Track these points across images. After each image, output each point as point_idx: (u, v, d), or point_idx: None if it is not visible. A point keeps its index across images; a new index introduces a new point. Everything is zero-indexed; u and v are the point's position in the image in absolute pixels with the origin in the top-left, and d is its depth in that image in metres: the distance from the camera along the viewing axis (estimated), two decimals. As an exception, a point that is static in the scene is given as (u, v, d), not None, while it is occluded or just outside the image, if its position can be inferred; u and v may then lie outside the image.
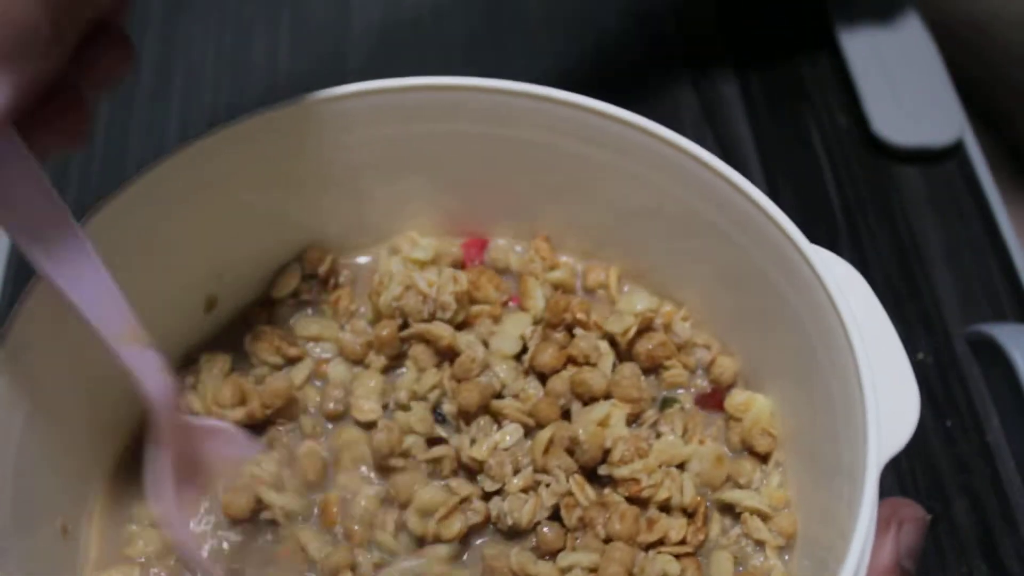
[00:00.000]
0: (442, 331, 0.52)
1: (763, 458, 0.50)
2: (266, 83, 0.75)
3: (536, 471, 0.48)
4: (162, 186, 0.48)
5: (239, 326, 0.55)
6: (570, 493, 0.47)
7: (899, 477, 0.60)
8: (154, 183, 0.48)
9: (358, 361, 0.53)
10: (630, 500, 0.48)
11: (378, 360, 0.53)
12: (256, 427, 0.51)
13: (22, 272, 0.66)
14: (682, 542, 0.47)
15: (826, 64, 0.75)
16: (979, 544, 0.59)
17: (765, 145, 0.71)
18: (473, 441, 0.49)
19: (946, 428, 0.62)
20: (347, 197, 0.55)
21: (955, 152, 0.70)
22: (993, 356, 0.63)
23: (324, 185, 0.54)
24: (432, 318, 0.52)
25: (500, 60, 0.76)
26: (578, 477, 0.48)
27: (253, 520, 0.49)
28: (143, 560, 0.49)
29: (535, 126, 0.51)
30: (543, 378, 0.51)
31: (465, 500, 0.48)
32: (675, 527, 0.47)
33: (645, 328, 0.52)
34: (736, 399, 0.51)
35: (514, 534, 0.48)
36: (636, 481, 0.47)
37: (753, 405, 0.50)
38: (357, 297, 0.55)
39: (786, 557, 0.47)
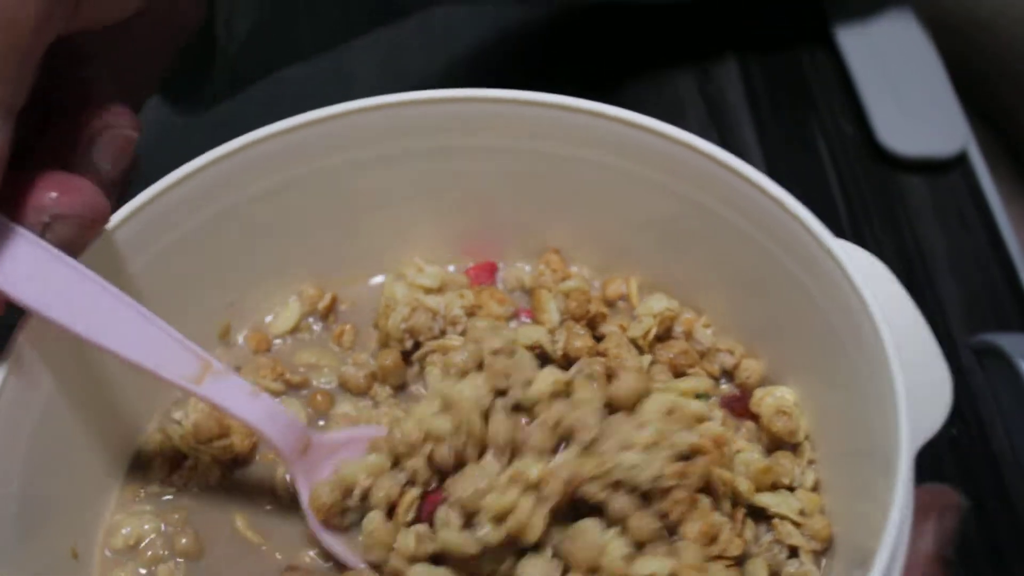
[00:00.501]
0: (457, 343, 0.51)
1: (794, 448, 0.48)
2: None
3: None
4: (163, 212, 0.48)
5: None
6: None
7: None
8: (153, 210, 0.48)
9: (362, 394, 0.52)
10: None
11: (383, 391, 0.52)
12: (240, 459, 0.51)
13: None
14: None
15: (830, 72, 0.75)
16: (985, 552, 0.58)
17: (771, 153, 0.71)
18: None
19: (951, 436, 0.62)
20: (345, 226, 0.54)
21: (960, 163, 0.71)
22: (998, 365, 0.63)
23: (318, 213, 0.53)
24: (443, 334, 0.52)
25: (498, 63, 0.75)
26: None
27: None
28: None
29: (540, 136, 0.50)
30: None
31: None
32: (732, 538, 0.44)
33: (666, 333, 0.51)
34: (758, 396, 0.49)
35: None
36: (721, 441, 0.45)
37: (768, 397, 0.49)
38: (360, 330, 0.55)
39: (823, 562, 0.45)
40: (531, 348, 0.50)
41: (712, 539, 0.44)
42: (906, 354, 0.41)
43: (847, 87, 0.74)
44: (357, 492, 0.46)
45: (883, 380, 0.41)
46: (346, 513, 0.47)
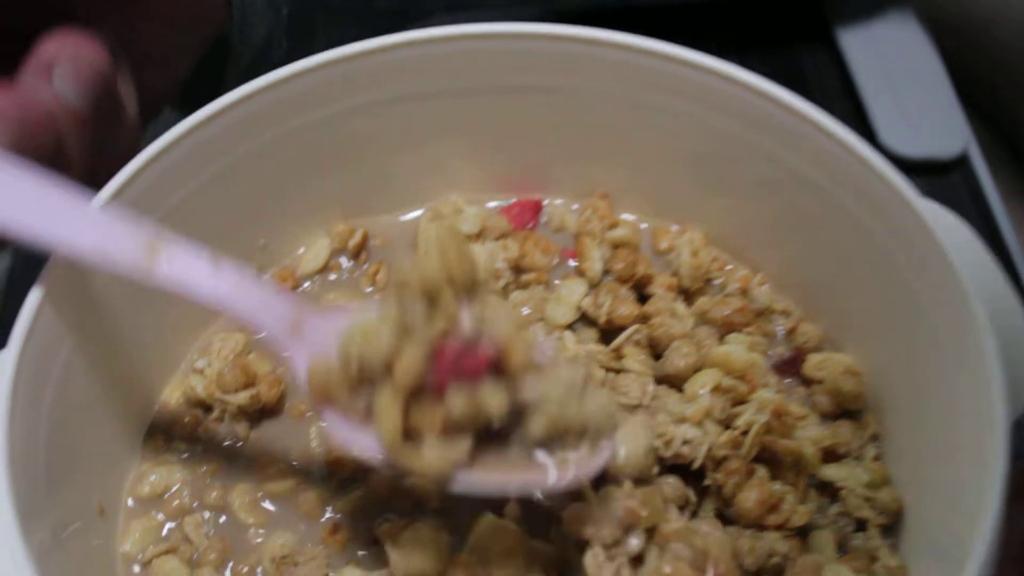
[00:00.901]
0: None
1: (856, 416, 0.47)
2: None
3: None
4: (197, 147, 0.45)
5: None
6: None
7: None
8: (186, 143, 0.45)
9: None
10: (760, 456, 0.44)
11: None
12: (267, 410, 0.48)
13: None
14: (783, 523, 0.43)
15: (831, 74, 0.75)
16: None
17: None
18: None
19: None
20: (377, 158, 0.51)
21: (961, 164, 0.71)
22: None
23: (350, 151, 0.50)
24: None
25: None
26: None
27: None
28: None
29: (579, 74, 0.48)
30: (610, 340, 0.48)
31: None
32: (795, 508, 0.43)
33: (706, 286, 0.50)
34: (813, 360, 0.47)
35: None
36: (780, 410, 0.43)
37: (831, 360, 0.47)
38: (394, 267, 0.51)
39: (893, 536, 0.44)
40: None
41: (771, 508, 0.43)
42: (993, 318, 0.39)
43: (848, 89, 0.74)
44: (354, 353, 0.38)
45: (971, 343, 0.39)
46: (359, 396, 0.39)
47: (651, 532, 0.40)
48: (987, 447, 0.37)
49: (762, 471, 0.44)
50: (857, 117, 0.73)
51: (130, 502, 0.46)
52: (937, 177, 0.70)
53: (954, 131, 0.71)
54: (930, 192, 0.70)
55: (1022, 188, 0.77)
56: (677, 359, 0.46)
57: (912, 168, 0.70)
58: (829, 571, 0.41)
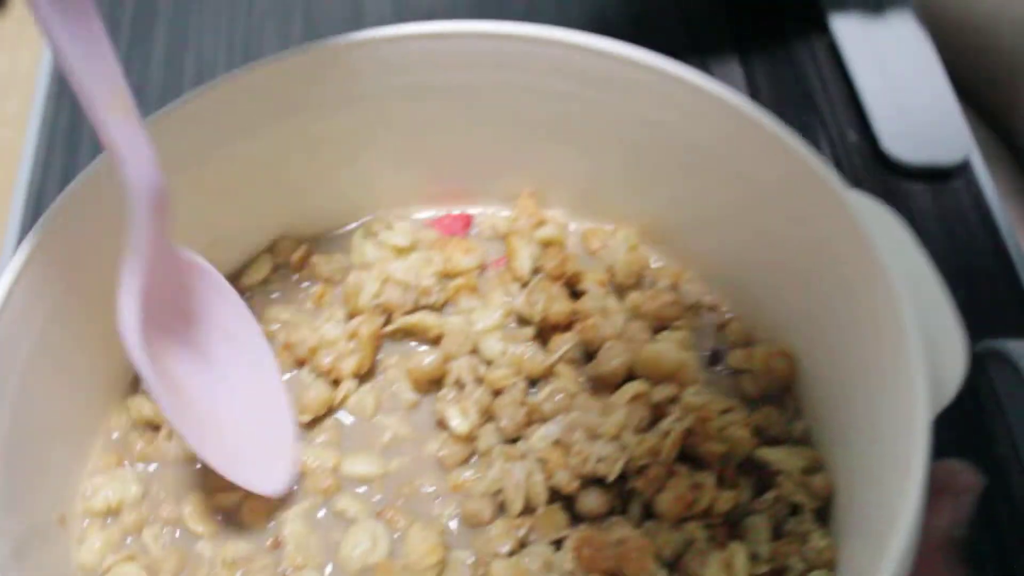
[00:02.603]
0: (430, 322, 0.49)
1: (780, 402, 0.47)
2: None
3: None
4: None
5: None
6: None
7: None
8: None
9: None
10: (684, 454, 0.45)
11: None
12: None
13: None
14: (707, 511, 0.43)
15: (834, 80, 0.75)
16: (990, 557, 0.57)
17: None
18: None
19: (955, 441, 0.60)
20: (315, 174, 0.52)
21: (962, 170, 0.70)
22: (1002, 370, 0.62)
23: (287, 161, 0.51)
24: (417, 308, 0.50)
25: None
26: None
27: None
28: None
29: (506, 67, 0.48)
30: (545, 337, 0.49)
31: None
32: (720, 496, 0.43)
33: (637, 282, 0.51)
34: (741, 352, 0.48)
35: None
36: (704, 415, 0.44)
37: (759, 349, 0.48)
38: (333, 290, 0.52)
39: (823, 520, 0.44)
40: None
41: (688, 504, 0.43)
42: (921, 314, 0.39)
43: (851, 95, 0.74)
44: None
45: (896, 342, 0.39)
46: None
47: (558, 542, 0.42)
48: (908, 443, 0.37)
49: (683, 470, 0.44)
50: (859, 124, 0.72)
51: (86, 520, 0.47)
52: (939, 183, 0.70)
53: (956, 138, 0.70)
54: (933, 198, 0.70)
55: (1022, 188, 0.75)
56: (608, 360, 0.46)
57: (914, 174, 0.70)
58: (728, 551, 0.42)
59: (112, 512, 0.47)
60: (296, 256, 0.53)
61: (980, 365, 0.63)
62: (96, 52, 0.37)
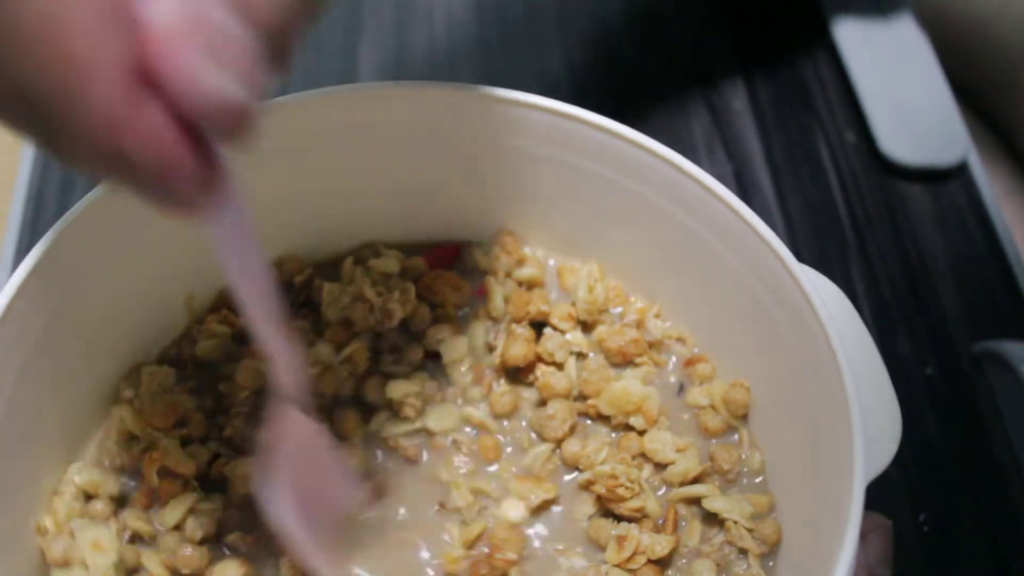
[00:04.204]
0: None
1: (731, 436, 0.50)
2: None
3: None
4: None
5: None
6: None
7: (909, 488, 0.59)
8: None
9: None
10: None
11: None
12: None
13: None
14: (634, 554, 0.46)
15: (833, 82, 0.75)
16: (987, 558, 0.58)
17: (775, 162, 0.72)
18: None
19: (953, 442, 0.61)
20: (313, 204, 0.53)
21: (960, 172, 0.71)
22: (1000, 371, 0.62)
23: (285, 192, 0.52)
24: (379, 327, 0.51)
25: (509, 71, 0.76)
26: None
27: None
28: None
29: (508, 131, 0.50)
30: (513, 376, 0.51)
31: None
32: (654, 542, 0.46)
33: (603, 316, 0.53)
34: (698, 390, 0.50)
35: None
36: (614, 478, 0.46)
37: (716, 386, 0.50)
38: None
39: (770, 564, 0.46)
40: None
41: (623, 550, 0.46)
42: (863, 389, 0.41)
43: (850, 97, 0.74)
44: None
45: (840, 420, 0.41)
46: None
47: None
48: (846, 503, 0.39)
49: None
50: (858, 125, 0.73)
51: (72, 524, 0.47)
52: (937, 184, 0.70)
53: (954, 139, 0.71)
54: (931, 199, 0.70)
55: (1021, 187, 0.75)
56: (552, 428, 0.49)
57: (912, 176, 0.71)
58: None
59: (93, 520, 0.47)
60: (300, 279, 0.53)
61: (977, 366, 0.63)
62: (264, 287, 0.38)
